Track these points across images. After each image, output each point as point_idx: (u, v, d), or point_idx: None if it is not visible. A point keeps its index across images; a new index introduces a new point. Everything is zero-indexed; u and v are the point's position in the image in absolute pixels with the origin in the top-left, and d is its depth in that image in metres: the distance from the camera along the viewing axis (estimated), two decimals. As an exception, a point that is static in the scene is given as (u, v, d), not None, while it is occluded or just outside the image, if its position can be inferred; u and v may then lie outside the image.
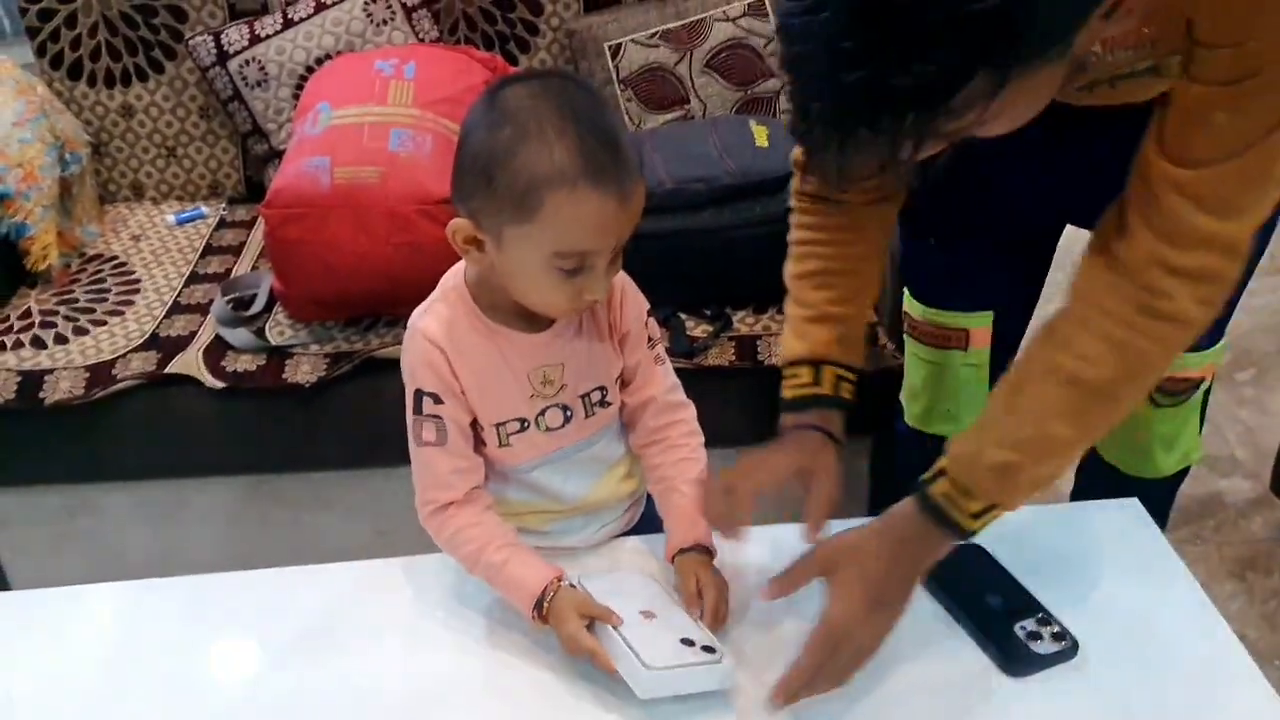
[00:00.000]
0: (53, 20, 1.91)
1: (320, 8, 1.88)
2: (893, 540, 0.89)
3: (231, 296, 1.70)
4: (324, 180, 1.54)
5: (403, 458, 1.53)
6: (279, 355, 1.60)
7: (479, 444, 0.97)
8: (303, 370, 1.58)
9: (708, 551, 0.97)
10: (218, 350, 1.61)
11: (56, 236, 1.79)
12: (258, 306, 1.69)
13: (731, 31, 1.92)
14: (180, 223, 1.97)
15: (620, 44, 1.92)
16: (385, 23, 1.88)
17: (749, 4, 1.92)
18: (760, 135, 1.70)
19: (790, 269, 1.07)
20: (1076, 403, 0.85)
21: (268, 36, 1.87)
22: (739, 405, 1.64)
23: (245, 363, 1.59)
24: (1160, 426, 1.22)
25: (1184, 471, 1.29)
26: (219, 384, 1.56)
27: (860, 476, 1.73)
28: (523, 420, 0.96)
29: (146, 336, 1.65)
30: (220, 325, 1.65)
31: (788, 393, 1.03)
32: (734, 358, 1.60)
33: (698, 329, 1.65)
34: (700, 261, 1.65)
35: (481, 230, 0.87)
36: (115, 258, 1.86)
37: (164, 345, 1.63)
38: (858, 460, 1.72)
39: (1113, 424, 0.88)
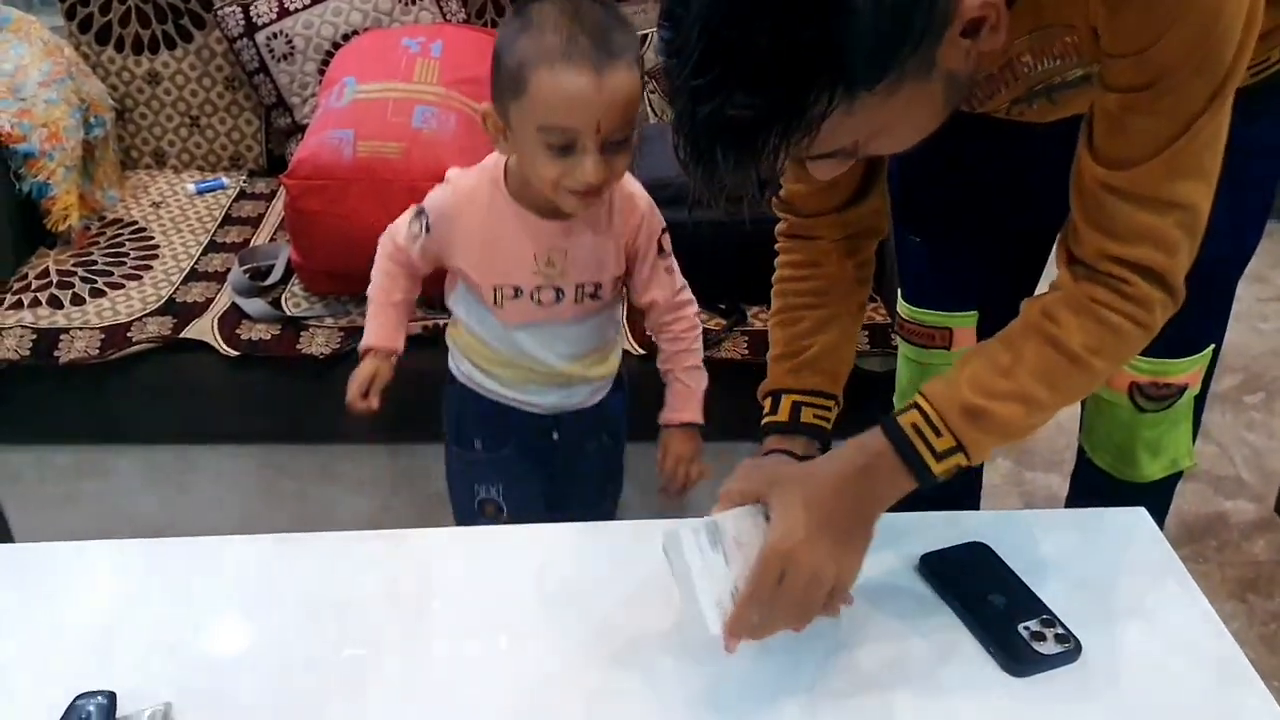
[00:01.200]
0: (84, -17, 1.92)
1: (351, -16, 1.89)
2: (846, 464, 0.88)
3: (249, 266, 1.71)
4: (346, 153, 1.54)
5: (412, 435, 1.55)
6: (293, 326, 1.61)
7: (477, 300, 1.16)
8: (317, 342, 1.59)
9: (691, 428, 1.25)
10: (233, 318, 1.62)
11: (78, 199, 1.80)
12: (274, 277, 1.69)
13: (759, 28, 1.92)
14: (200, 192, 1.97)
15: (647, 34, 1.93)
16: (414, 2, 1.89)
17: (778, 1, 1.92)
18: (783, 132, 1.71)
19: (770, 310, 1.10)
20: (1052, 363, 0.86)
21: (296, 10, 1.88)
22: (750, 398, 1.64)
23: (260, 332, 1.59)
24: (1145, 431, 1.23)
25: (1174, 479, 1.30)
26: (232, 352, 1.57)
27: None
28: (518, 289, 1.13)
29: (163, 301, 1.66)
30: (236, 294, 1.65)
31: (763, 425, 1.07)
32: (746, 351, 1.61)
33: (711, 322, 1.65)
34: (716, 256, 1.65)
35: (499, 113, 1.05)
36: (135, 223, 1.87)
37: (180, 311, 1.63)
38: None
39: (1086, 391, 0.92)
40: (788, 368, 1.06)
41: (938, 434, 0.86)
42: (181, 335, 1.58)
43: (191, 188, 1.98)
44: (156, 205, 1.93)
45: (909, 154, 1.15)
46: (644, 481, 1.56)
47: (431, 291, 1.33)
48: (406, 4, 1.89)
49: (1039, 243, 1.24)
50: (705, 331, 1.62)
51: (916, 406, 0.88)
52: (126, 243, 1.81)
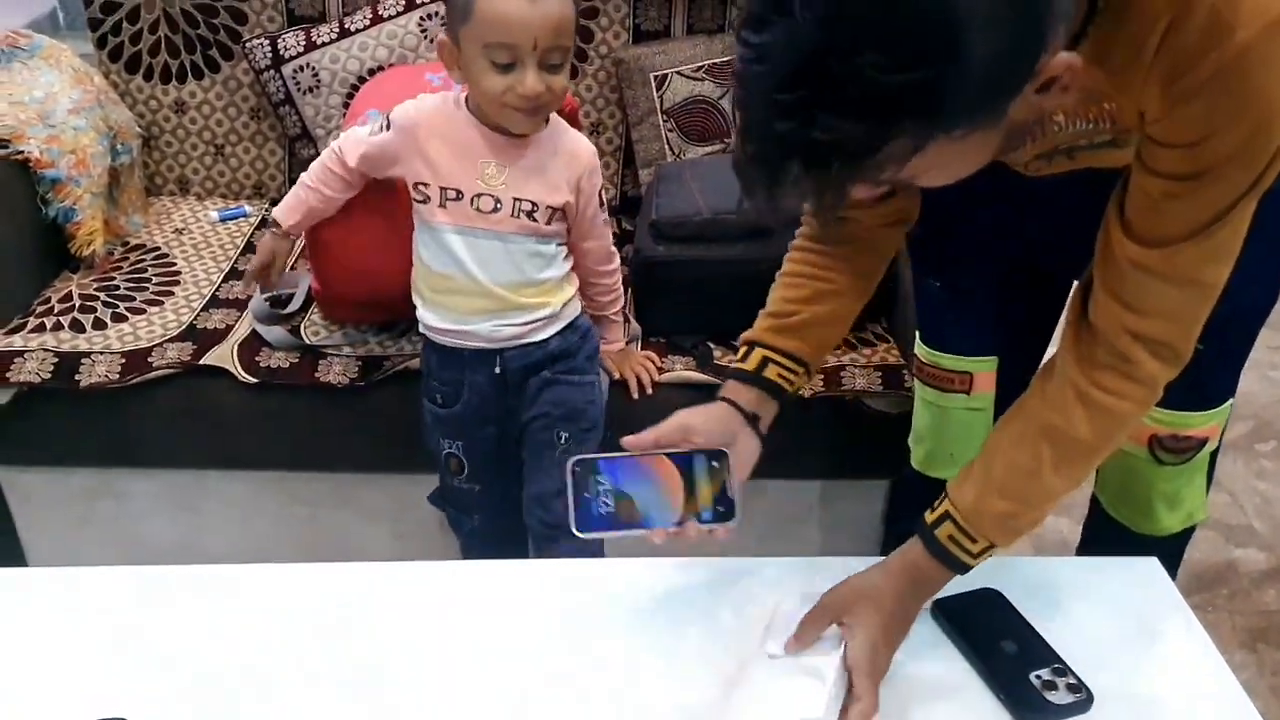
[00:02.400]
0: (115, 14, 1.96)
1: (376, 20, 1.92)
2: (905, 581, 0.95)
3: (270, 295, 1.73)
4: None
5: (426, 466, 1.56)
6: (312, 354, 1.63)
7: (424, 201, 1.32)
8: (335, 371, 1.60)
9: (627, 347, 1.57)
10: (252, 346, 1.63)
11: (102, 224, 1.83)
12: (294, 306, 1.71)
13: (777, 70, 1.94)
14: (223, 219, 2.00)
15: (666, 75, 1.96)
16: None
17: (796, 45, 1.95)
18: (800, 173, 1.73)
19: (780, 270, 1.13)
20: (1068, 458, 0.92)
21: (323, 44, 1.91)
22: (770, 439, 1.65)
23: (279, 360, 1.61)
24: (1163, 484, 1.23)
25: (1189, 532, 1.30)
26: (251, 379, 1.58)
27: (873, 518, 1.74)
28: (459, 191, 1.29)
29: (183, 327, 1.68)
30: (257, 321, 1.67)
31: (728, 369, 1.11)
32: (759, 390, 1.61)
33: (724, 358, 1.66)
34: (732, 293, 1.65)
35: (452, 41, 1.24)
36: (157, 249, 1.90)
37: (200, 337, 1.65)
38: (871, 502, 1.73)
39: (1095, 468, 0.98)
40: (771, 325, 1.09)
41: (973, 540, 0.93)
42: (201, 361, 1.60)
43: (214, 215, 2.00)
44: (179, 232, 1.96)
45: (927, 196, 1.18)
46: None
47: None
48: (431, 40, 1.92)
49: (1057, 289, 1.25)
50: (718, 367, 1.64)
51: (950, 518, 0.94)
52: (149, 268, 1.84)
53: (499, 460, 1.47)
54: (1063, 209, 1.06)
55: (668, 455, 0.95)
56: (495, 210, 1.31)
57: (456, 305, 1.36)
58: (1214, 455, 1.24)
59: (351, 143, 1.38)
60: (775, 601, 0.97)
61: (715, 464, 0.95)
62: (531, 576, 1.07)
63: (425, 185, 1.32)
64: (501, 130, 1.30)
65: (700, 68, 1.95)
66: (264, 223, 1.35)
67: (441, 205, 1.31)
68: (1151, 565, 1.08)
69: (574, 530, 0.91)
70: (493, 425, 1.44)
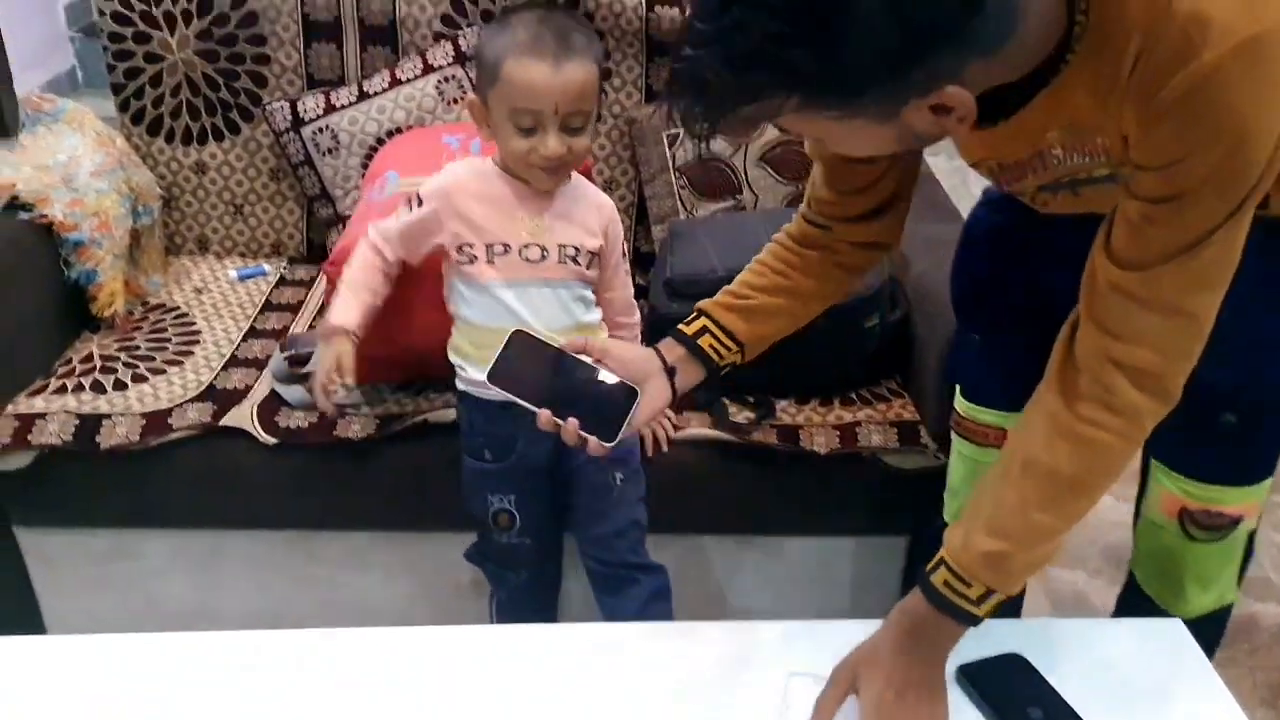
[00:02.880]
0: (138, 78, 2.00)
1: (395, 83, 1.95)
2: (903, 632, 0.94)
3: (289, 354, 1.74)
4: (389, 246, 1.59)
5: (447, 524, 1.57)
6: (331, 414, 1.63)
7: (469, 261, 1.34)
8: (353, 429, 1.61)
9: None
10: (271, 405, 1.65)
11: (123, 285, 1.85)
12: (313, 365, 1.72)
13: (788, 128, 1.97)
14: (242, 278, 2.02)
15: (678, 134, 1.98)
16: (455, 101, 1.95)
17: (807, 103, 1.98)
18: (813, 231, 1.75)
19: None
20: (1053, 494, 0.91)
21: (342, 107, 1.95)
22: (776, 489, 1.66)
23: (298, 419, 1.62)
24: (1195, 563, 1.19)
25: (1225, 614, 1.24)
26: (271, 439, 1.59)
27: (892, 575, 1.73)
28: (507, 245, 1.32)
29: (203, 387, 1.69)
30: (276, 381, 1.68)
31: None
32: (776, 441, 1.62)
33: (740, 415, 1.67)
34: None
35: (481, 102, 1.29)
36: (177, 308, 1.92)
37: (219, 397, 1.67)
38: (891, 560, 1.72)
39: (1093, 504, 0.94)
40: (722, 300, 1.15)
41: (968, 585, 0.92)
42: (221, 423, 1.61)
43: (233, 274, 2.03)
44: (199, 291, 1.98)
45: (973, 251, 1.24)
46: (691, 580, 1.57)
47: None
48: (448, 103, 1.95)
49: None
50: (735, 424, 1.65)
51: (944, 563, 0.93)
52: (169, 328, 1.86)
53: (551, 513, 1.48)
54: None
55: (601, 372, 1.06)
56: (543, 259, 1.35)
57: None
58: (1251, 535, 1.19)
59: (387, 237, 1.40)
60: (788, 674, 0.97)
61: (626, 399, 1.05)
62: (547, 641, 1.07)
63: (470, 245, 1.34)
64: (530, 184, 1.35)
65: (712, 126, 1.98)
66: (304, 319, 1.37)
67: (489, 261, 1.34)
68: (1174, 626, 1.08)
69: (485, 376, 1.05)
70: (545, 474, 1.44)
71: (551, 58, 1.22)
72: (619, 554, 1.47)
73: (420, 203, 1.37)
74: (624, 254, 1.46)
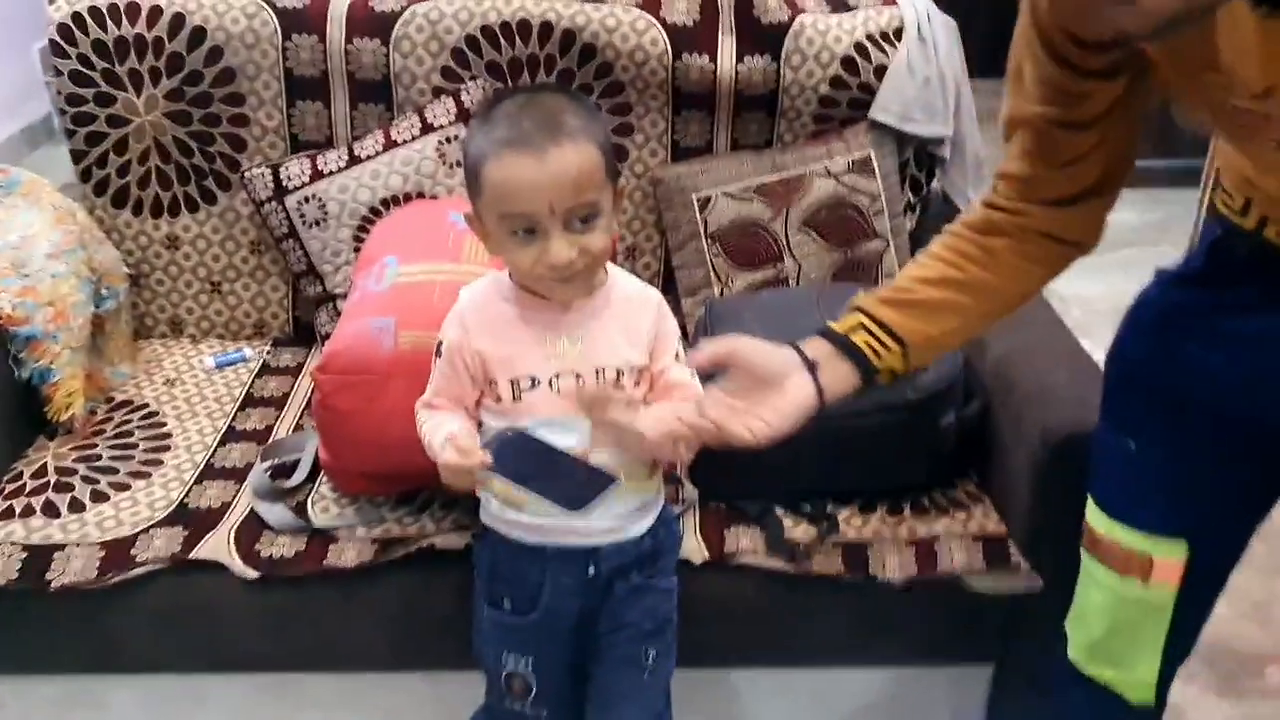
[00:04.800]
0: (101, 144, 1.78)
1: (390, 145, 1.74)
2: None
3: (271, 465, 1.51)
4: (386, 344, 1.36)
5: (452, 660, 1.34)
6: (321, 537, 1.41)
7: (497, 400, 1.13)
8: (346, 555, 1.38)
9: None
10: (252, 529, 1.42)
11: (83, 381, 1.62)
12: (299, 475, 1.50)
13: (833, 189, 1.76)
14: (220, 366, 1.80)
15: (710, 196, 1.77)
16: (459, 164, 1.73)
17: (853, 160, 1.77)
18: (874, 311, 1.52)
19: None
20: None
21: (331, 173, 1.73)
22: (848, 622, 1.43)
23: (282, 546, 1.39)
24: None
25: None
26: (251, 572, 1.36)
27: (974, 712, 1.50)
28: (535, 379, 1.11)
29: (173, 507, 1.46)
30: (257, 498, 1.46)
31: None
32: (842, 568, 1.39)
33: (797, 528, 1.44)
34: (802, 452, 1.45)
35: (477, 214, 1.10)
36: (145, 405, 1.69)
37: (192, 520, 1.43)
38: (970, 691, 1.49)
39: None
40: (881, 295, 1.04)
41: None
42: (192, 555, 1.38)
43: (210, 361, 1.80)
44: (170, 383, 1.75)
45: (1137, 334, 1.06)
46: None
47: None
48: (451, 166, 1.74)
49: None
50: (789, 543, 1.42)
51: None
52: (135, 431, 1.62)
53: (572, 680, 1.23)
54: None
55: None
56: (579, 387, 1.13)
57: (545, 509, 1.12)
58: None
59: (434, 403, 1.17)
60: None
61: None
62: None
63: (493, 384, 1.13)
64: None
65: (747, 188, 1.76)
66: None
67: (517, 399, 1.13)
68: None
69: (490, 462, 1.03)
70: (571, 635, 1.21)
71: (534, 149, 1.02)
72: None
73: (440, 352, 1.16)
74: (678, 357, 1.19)
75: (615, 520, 1.17)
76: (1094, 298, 1.75)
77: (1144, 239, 3.42)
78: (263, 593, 1.38)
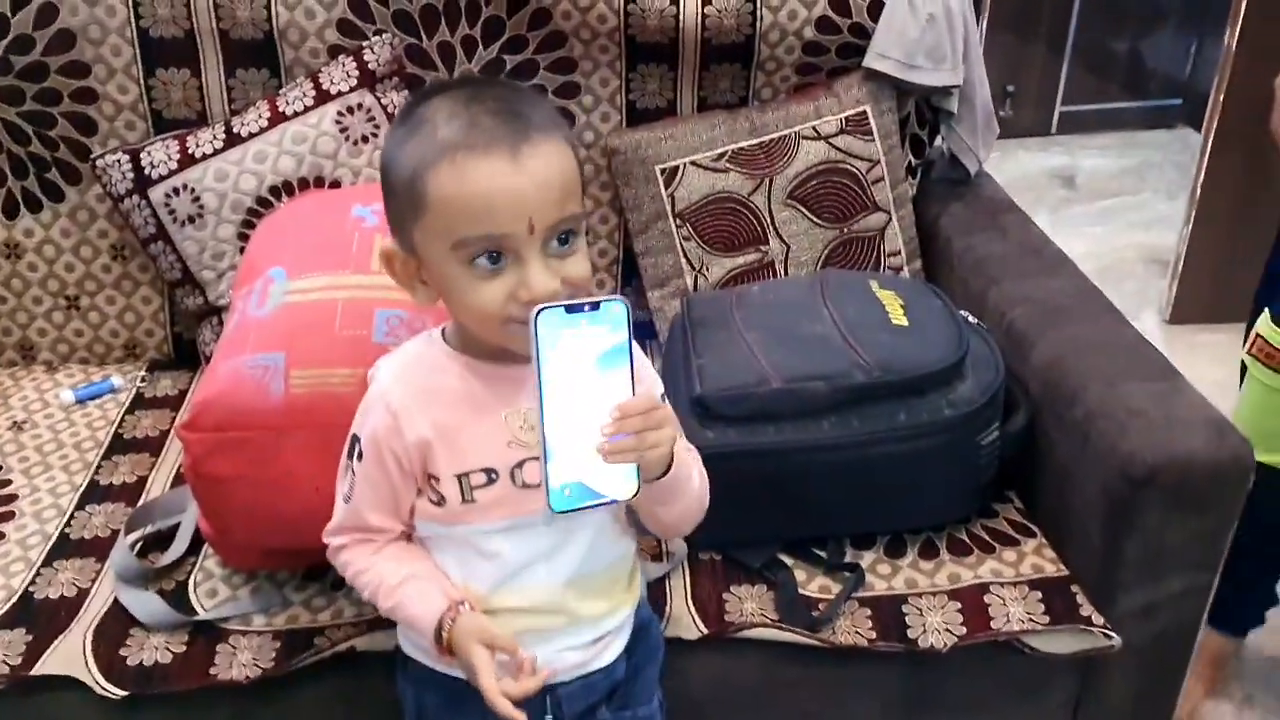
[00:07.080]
0: (-88, 132, 1.42)
1: (277, 119, 1.40)
2: None
3: (140, 536, 1.19)
4: (275, 387, 1.04)
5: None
6: (207, 633, 1.10)
7: (439, 502, 0.86)
8: (240, 659, 1.07)
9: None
10: (117, 627, 1.10)
11: (-101, 435, 1.28)
12: (177, 551, 1.18)
13: (824, 153, 1.47)
14: (81, 400, 1.46)
15: (677, 167, 1.46)
16: (365, 140, 1.40)
17: (846, 118, 1.47)
18: (894, 307, 1.24)
19: None
20: None
21: (205, 157, 1.39)
22: (883, 702, 1.15)
23: (156, 649, 1.08)
24: None
25: None
26: (117, 691, 1.05)
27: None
28: (491, 472, 0.85)
29: (14, 599, 1.13)
30: (122, 583, 1.14)
31: None
32: (874, 635, 1.11)
33: (812, 583, 1.16)
34: (815, 487, 1.17)
35: (401, 247, 0.84)
36: (-17, 459, 1.35)
37: (38, 618, 1.11)
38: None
39: None
40: None
41: None
42: (36, 671, 1.05)
43: (69, 396, 1.46)
44: (18, 426, 1.41)
45: None
46: None
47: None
48: (355, 143, 1.40)
49: None
50: (809, 600, 1.14)
51: None
52: (-32, 495, 1.29)
53: None
54: None
55: None
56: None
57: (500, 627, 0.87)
58: None
59: (342, 529, 0.92)
60: None
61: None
62: None
63: (435, 481, 0.85)
64: (511, 356, 0.83)
65: (720, 156, 1.46)
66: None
67: (468, 500, 0.85)
68: None
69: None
70: None
71: (505, 146, 0.77)
72: None
73: (359, 453, 0.86)
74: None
75: (581, 653, 0.91)
76: (1078, 256, 1.50)
77: (1125, 188, 3.20)
78: (134, 714, 1.06)
